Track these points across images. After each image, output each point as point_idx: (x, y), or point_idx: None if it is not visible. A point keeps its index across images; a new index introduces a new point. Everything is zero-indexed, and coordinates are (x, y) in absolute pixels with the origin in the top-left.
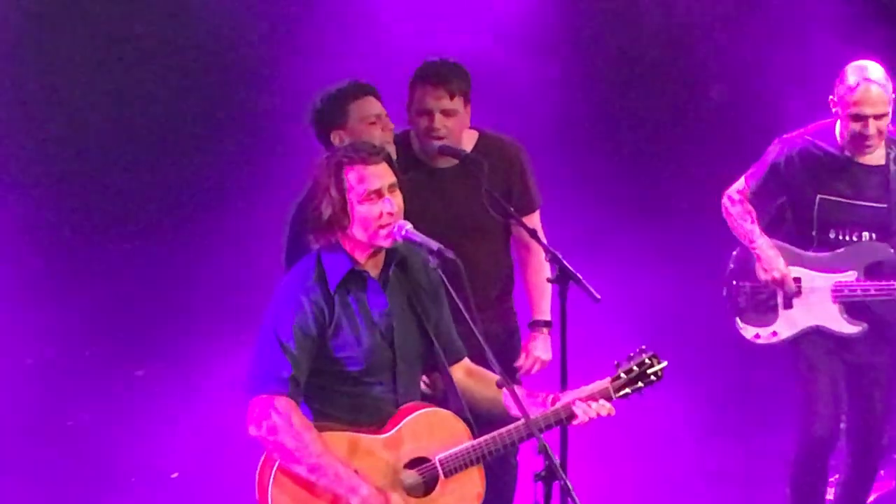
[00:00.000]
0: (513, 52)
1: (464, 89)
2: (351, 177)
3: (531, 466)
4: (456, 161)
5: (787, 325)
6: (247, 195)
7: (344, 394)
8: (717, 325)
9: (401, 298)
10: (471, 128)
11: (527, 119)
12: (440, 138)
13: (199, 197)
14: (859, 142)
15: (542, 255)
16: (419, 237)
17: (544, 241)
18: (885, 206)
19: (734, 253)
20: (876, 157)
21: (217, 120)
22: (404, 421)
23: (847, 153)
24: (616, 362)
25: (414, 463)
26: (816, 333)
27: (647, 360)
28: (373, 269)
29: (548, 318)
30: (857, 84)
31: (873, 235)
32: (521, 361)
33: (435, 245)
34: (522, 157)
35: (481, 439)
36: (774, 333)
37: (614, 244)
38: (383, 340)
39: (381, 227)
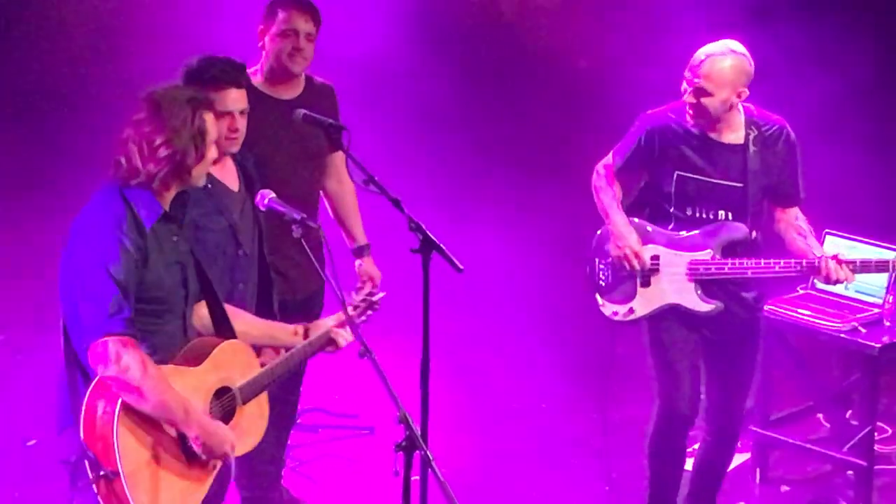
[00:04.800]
0: (381, 36)
1: (320, 21)
2: (210, 120)
3: (392, 437)
4: (297, 93)
5: (643, 303)
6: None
7: (145, 329)
8: (579, 298)
9: (186, 237)
10: None
11: (396, 96)
12: (304, 59)
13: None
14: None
15: (353, 186)
16: (283, 207)
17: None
18: (741, 185)
19: (598, 231)
20: (735, 136)
21: (34, 93)
22: (212, 353)
23: (707, 131)
24: (352, 293)
25: (218, 393)
26: (673, 311)
27: (371, 290)
28: (171, 208)
29: (367, 241)
30: (704, 57)
31: (730, 214)
32: (367, 288)
33: (298, 214)
34: (336, 98)
35: (270, 365)
36: (631, 311)
37: (479, 217)
38: (180, 279)
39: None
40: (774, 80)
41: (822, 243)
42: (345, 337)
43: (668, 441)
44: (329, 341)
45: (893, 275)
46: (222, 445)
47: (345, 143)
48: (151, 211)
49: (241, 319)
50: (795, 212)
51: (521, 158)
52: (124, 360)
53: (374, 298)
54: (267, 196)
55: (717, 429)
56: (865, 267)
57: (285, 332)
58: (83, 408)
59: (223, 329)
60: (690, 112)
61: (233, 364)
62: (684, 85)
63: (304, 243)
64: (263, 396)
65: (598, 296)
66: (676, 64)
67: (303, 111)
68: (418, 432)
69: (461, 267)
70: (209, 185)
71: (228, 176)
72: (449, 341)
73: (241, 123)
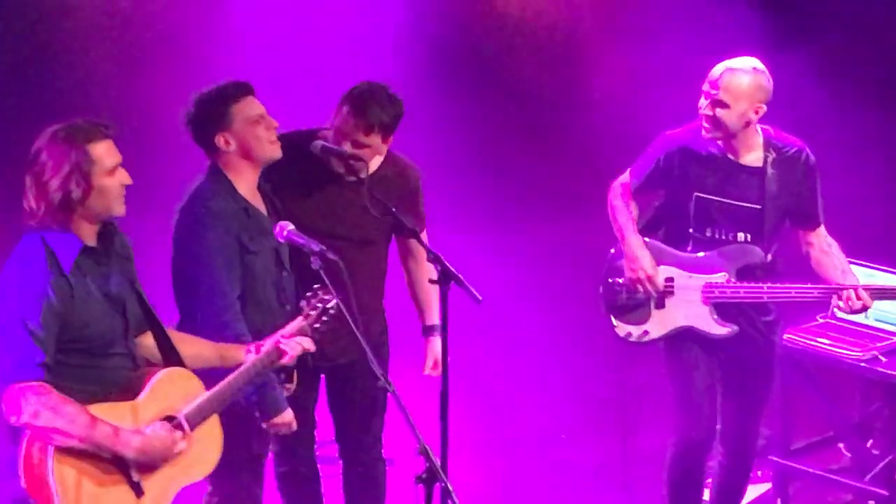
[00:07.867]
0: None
1: (386, 125)
2: (98, 151)
3: (412, 469)
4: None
5: (658, 325)
6: None
7: (85, 367)
8: (596, 323)
9: (117, 267)
10: None
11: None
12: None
13: None
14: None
15: (426, 269)
16: (302, 238)
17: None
18: (759, 207)
19: (612, 250)
20: (754, 158)
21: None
22: (150, 384)
23: (725, 151)
24: (301, 302)
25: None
26: (688, 333)
27: (325, 297)
28: (96, 242)
29: (434, 322)
30: (723, 70)
31: (748, 236)
32: (430, 365)
33: (317, 246)
34: (418, 180)
35: (216, 388)
36: (646, 332)
37: (495, 241)
38: (116, 310)
39: (121, 196)
40: (793, 105)
41: None
42: (293, 346)
43: (685, 467)
44: (280, 353)
45: None
46: (168, 449)
47: (364, 178)
48: (70, 248)
49: (190, 344)
50: (824, 235)
51: (533, 182)
52: (33, 404)
53: (328, 305)
54: (286, 228)
55: (732, 452)
56: (884, 293)
57: (237, 351)
58: (21, 457)
59: (170, 357)
60: (706, 125)
61: (173, 393)
62: (702, 100)
63: (322, 274)
64: (215, 422)
65: (612, 317)
66: (689, 85)
67: (321, 143)
68: (438, 464)
69: (480, 297)
70: (248, 209)
71: (258, 201)
72: (467, 372)
73: (273, 122)
